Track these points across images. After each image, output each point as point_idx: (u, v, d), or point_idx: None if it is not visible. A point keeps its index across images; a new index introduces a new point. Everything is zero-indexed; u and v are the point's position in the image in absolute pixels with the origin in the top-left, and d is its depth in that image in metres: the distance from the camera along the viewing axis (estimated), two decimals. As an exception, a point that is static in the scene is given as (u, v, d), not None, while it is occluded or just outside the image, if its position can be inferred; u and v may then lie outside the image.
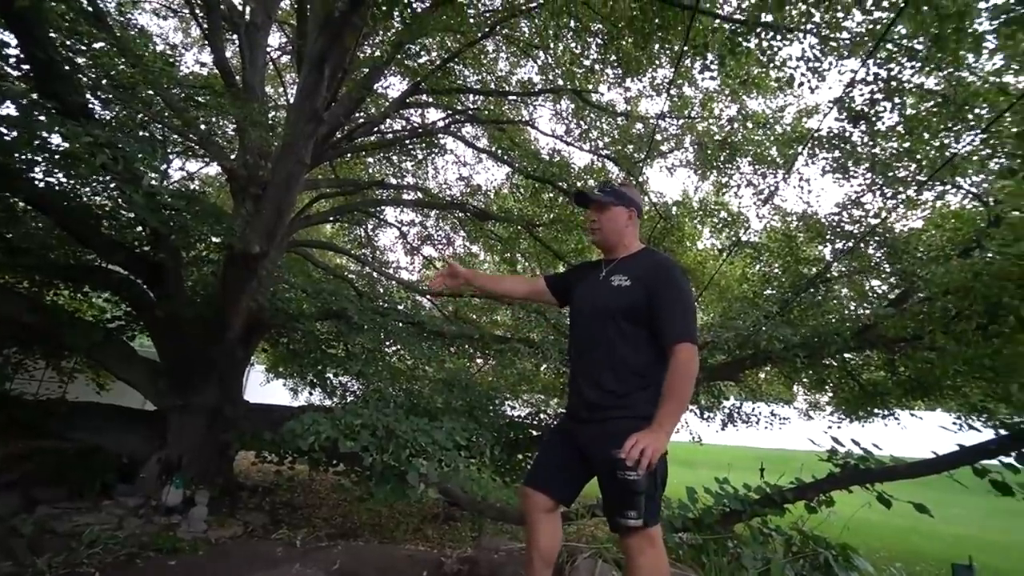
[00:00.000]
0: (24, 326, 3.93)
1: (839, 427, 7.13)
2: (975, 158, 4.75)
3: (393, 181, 8.70)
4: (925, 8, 3.43)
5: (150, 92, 4.02)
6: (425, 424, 3.88)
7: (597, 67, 6.60)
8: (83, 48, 3.68)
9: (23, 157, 3.25)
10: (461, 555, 2.93)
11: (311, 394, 5.59)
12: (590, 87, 7.03)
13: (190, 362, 4.56)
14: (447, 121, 7.89)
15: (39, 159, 3.28)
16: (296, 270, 6.93)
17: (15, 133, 2.91)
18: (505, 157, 7.71)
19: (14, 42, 3.21)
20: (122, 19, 5.62)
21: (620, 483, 1.40)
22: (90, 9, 4.08)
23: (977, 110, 4.42)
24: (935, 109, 4.58)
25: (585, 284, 1.89)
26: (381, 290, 7.76)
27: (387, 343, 5.42)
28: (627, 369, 1.64)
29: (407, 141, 7.77)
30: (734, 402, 7.90)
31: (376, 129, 7.36)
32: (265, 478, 6.03)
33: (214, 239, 4.31)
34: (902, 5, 3.62)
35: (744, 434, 8.10)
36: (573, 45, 6.49)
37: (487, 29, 6.08)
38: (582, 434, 1.70)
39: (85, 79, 3.68)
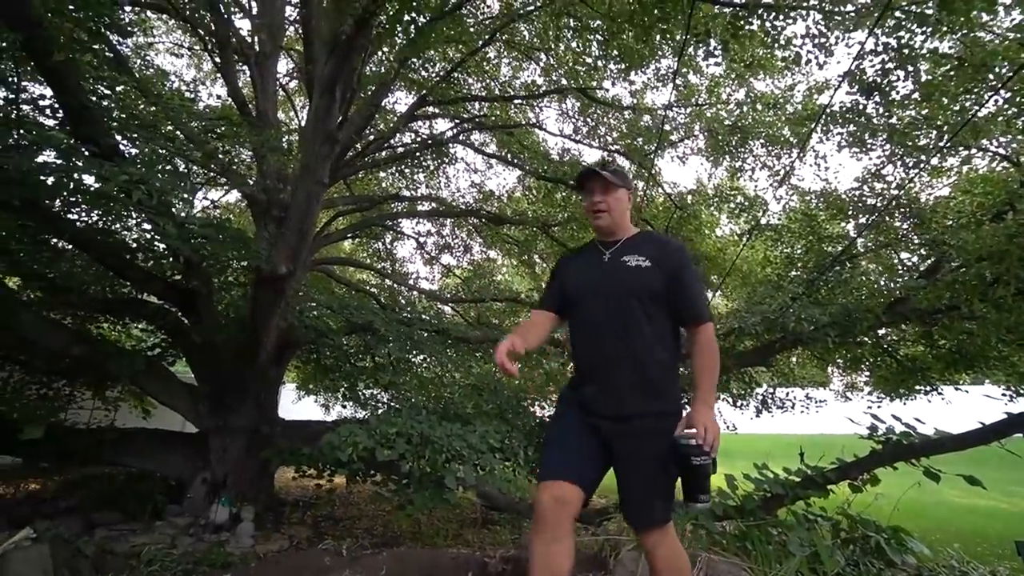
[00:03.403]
0: (72, 358, 4.13)
1: (879, 406, 6.93)
2: (1000, 119, 4.60)
3: (407, 193, 8.85)
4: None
5: (171, 127, 4.20)
6: (459, 429, 3.92)
7: (600, 64, 6.62)
8: (108, 92, 3.88)
9: (64, 200, 3.45)
10: (504, 554, 2.96)
11: (344, 407, 5.71)
12: (594, 84, 7.04)
13: (226, 384, 4.72)
14: (456, 130, 8.00)
15: (78, 200, 3.47)
16: (320, 287, 7.09)
17: (52, 179, 3.07)
18: (515, 161, 7.77)
19: (49, 93, 3.41)
20: (140, 62, 5.89)
21: (694, 469, 1.42)
22: (111, 55, 4.29)
23: (998, 69, 4.28)
24: (951, 73, 4.46)
25: (586, 268, 1.76)
26: (403, 301, 7.89)
27: (413, 352, 5.51)
28: (658, 355, 1.60)
29: (418, 153, 7.90)
30: (767, 388, 7.75)
31: (387, 144, 7.50)
32: (305, 493, 6.17)
33: (242, 263, 4.45)
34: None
35: (780, 421, 7.93)
36: (574, 44, 6.53)
37: (487, 36, 6.16)
38: (613, 431, 1.59)
39: (113, 121, 3.88)
